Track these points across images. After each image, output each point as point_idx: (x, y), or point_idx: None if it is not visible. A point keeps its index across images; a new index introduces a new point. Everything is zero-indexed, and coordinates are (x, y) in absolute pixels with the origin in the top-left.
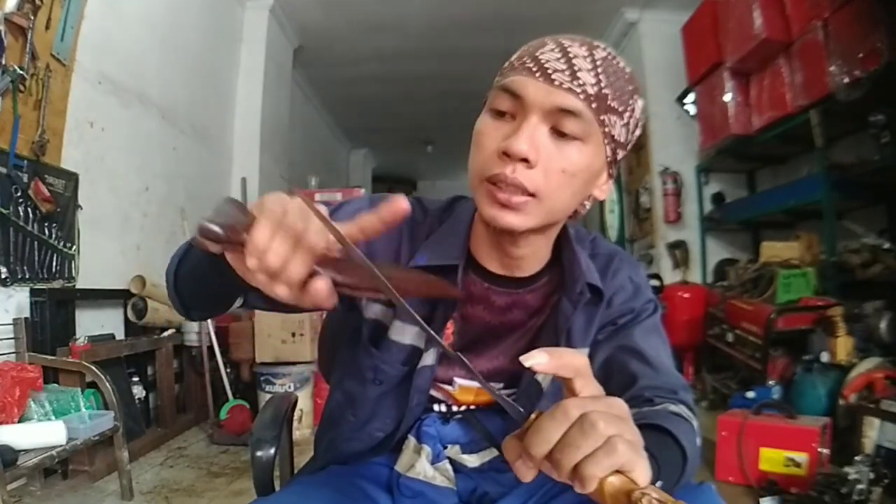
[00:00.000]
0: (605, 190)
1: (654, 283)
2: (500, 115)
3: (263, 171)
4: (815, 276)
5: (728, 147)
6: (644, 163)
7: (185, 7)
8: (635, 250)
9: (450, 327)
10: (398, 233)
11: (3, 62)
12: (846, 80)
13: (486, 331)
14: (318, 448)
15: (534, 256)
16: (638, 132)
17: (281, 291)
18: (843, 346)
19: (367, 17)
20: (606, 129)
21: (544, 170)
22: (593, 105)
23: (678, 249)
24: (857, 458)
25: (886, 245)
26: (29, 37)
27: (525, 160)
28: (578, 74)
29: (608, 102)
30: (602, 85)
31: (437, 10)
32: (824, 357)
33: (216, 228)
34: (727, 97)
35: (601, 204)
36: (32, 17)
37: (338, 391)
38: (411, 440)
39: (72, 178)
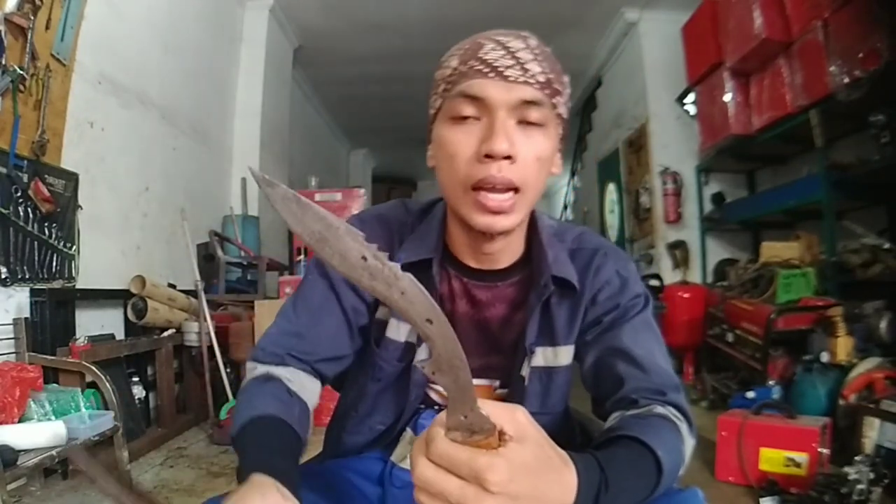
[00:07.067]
0: (559, 165)
1: (655, 282)
2: (461, 120)
3: (263, 171)
4: (815, 276)
5: (728, 147)
6: (644, 163)
7: (185, 7)
8: (635, 250)
9: None
10: (390, 237)
11: (3, 62)
12: (846, 80)
13: (474, 327)
14: (326, 442)
15: (507, 249)
16: (569, 105)
17: None
18: (843, 346)
19: (367, 17)
20: (557, 111)
21: (523, 160)
22: (546, 91)
23: (678, 249)
24: (857, 458)
25: (886, 245)
26: (29, 37)
27: (508, 157)
28: (527, 66)
29: (554, 86)
30: (546, 71)
31: (437, 10)
32: (824, 357)
33: None
34: (727, 97)
35: (601, 204)
36: (32, 17)
37: (349, 388)
38: (408, 432)
39: (72, 178)
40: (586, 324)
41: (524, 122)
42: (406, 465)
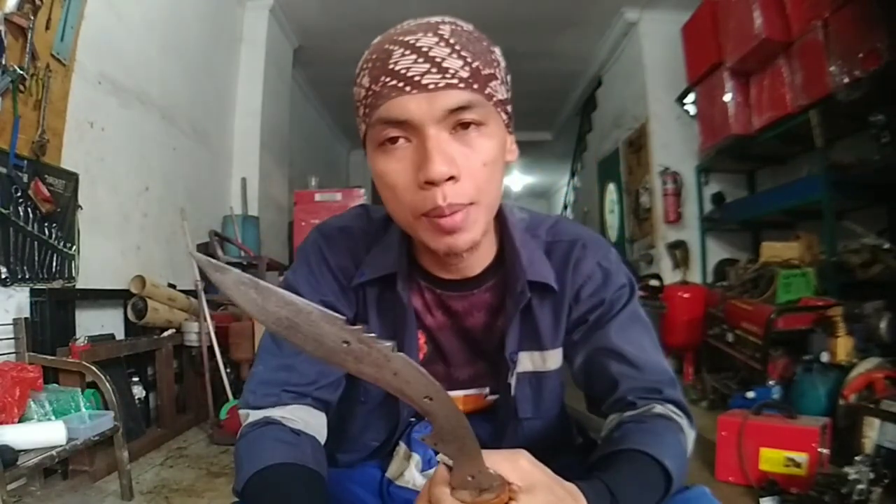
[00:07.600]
0: (514, 151)
1: (654, 282)
2: (391, 145)
3: (263, 171)
4: (815, 276)
5: (728, 147)
6: (644, 163)
7: (185, 7)
8: (635, 250)
9: (422, 337)
10: (356, 249)
11: (3, 62)
12: (846, 80)
13: (456, 336)
14: None
15: (476, 255)
16: (510, 77)
17: None
18: (843, 346)
19: (367, 17)
20: (494, 98)
21: (469, 174)
22: (474, 86)
23: (678, 249)
24: (857, 458)
25: (886, 245)
26: (29, 37)
27: (451, 178)
28: (445, 65)
29: (482, 72)
30: (468, 60)
31: (436, 10)
32: (824, 357)
33: None
34: (727, 97)
35: (601, 204)
36: (32, 17)
37: (338, 407)
38: (402, 447)
39: (72, 178)
40: (572, 322)
41: (461, 126)
42: (401, 482)
